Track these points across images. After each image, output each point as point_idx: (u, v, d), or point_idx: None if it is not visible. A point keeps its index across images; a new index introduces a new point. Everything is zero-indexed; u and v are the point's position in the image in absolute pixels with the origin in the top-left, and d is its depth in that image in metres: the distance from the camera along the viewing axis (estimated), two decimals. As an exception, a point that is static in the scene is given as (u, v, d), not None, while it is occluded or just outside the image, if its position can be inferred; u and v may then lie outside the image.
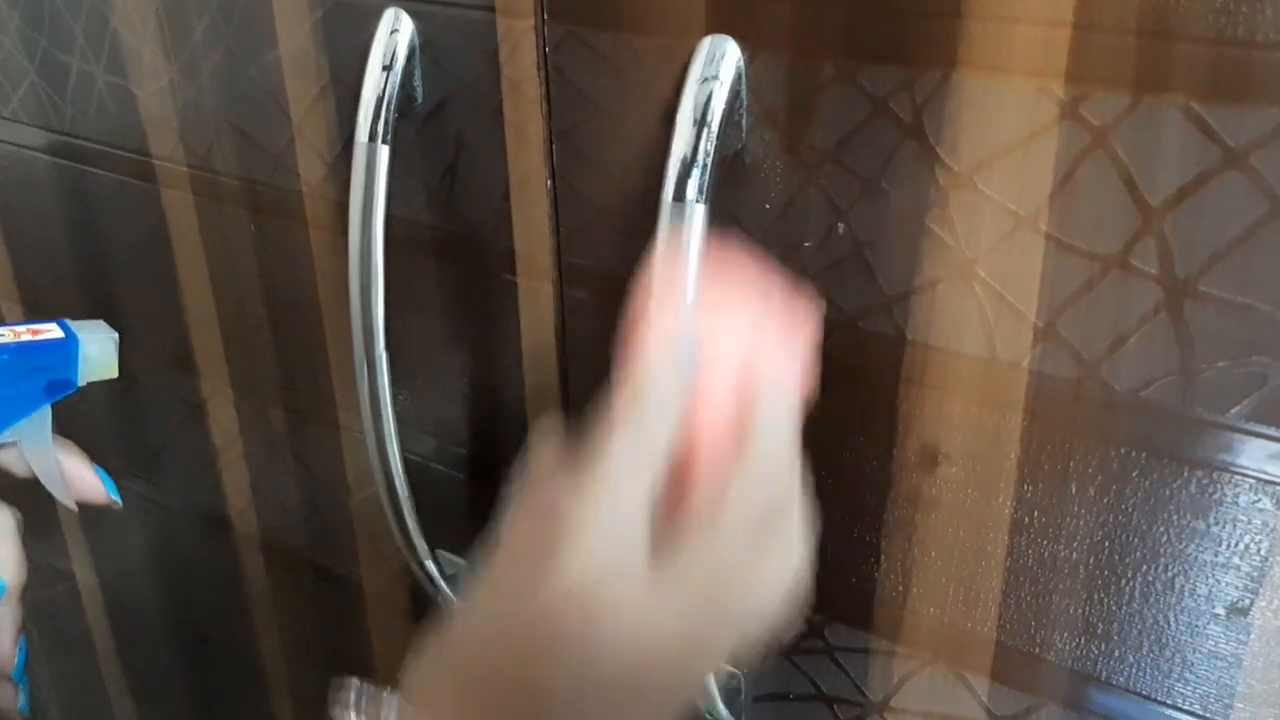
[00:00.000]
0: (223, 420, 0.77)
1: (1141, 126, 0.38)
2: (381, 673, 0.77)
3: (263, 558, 0.81)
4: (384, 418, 0.59)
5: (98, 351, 0.43)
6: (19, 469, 0.44)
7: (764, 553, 0.39)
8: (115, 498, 0.47)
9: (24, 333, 0.42)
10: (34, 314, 0.88)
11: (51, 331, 0.42)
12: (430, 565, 0.65)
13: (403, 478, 0.60)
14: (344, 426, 0.69)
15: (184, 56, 0.64)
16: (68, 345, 0.42)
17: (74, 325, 0.43)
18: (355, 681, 0.40)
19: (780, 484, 0.39)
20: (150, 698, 1.07)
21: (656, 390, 0.39)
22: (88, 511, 0.97)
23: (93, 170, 0.75)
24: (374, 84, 0.53)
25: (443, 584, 0.66)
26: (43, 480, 0.44)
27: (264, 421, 0.74)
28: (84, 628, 1.08)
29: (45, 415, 0.42)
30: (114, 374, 0.43)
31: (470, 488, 0.64)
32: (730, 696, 0.56)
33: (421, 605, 0.71)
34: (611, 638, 0.36)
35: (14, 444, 0.41)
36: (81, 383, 0.42)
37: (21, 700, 0.47)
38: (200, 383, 0.77)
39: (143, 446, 0.86)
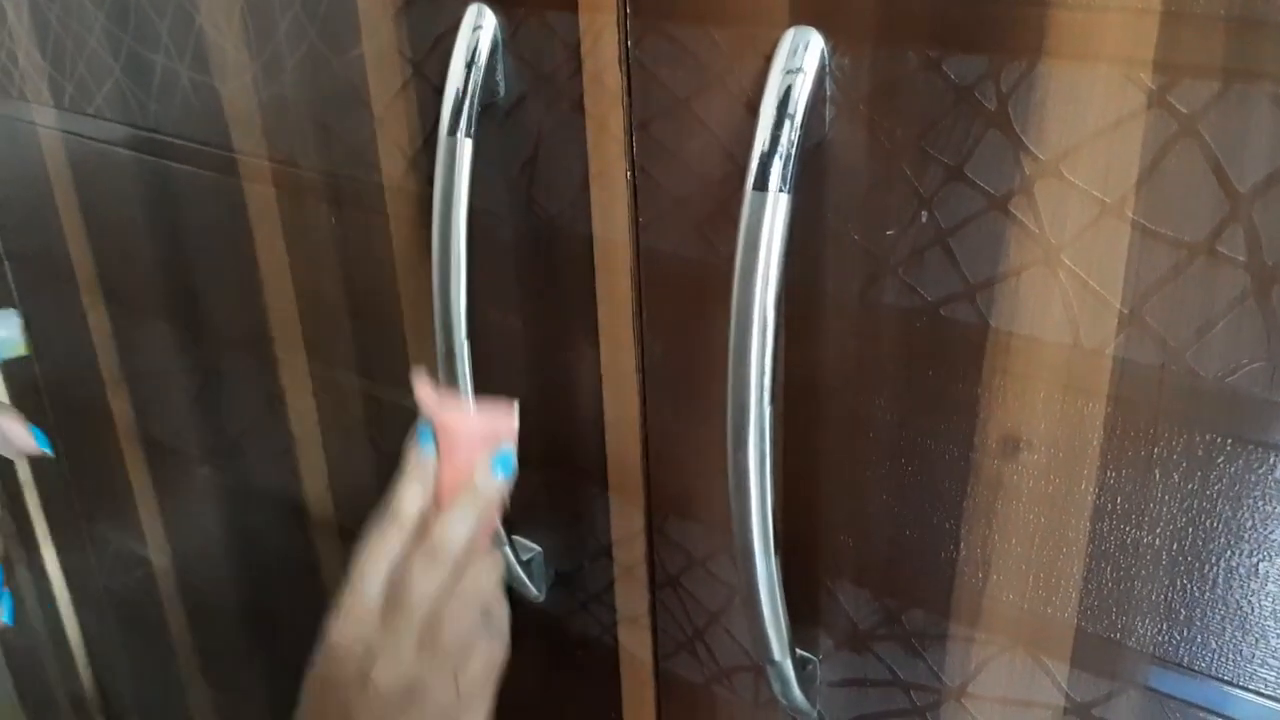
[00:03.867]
0: (301, 408, 0.79)
1: (1231, 114, 0.38)
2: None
3: (339, 543, 0.83)
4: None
5: (4, 334, 0.48)
6: None
7: (459, 580, 0.51)
8: (46, 449, 0.57)
9: None
10: (117, 307, 0.90)
11: None
12: (507, 550, 0.66)
13: (482, 464, 0.61)
14: (421, 415, 0.70)
15: (267, 53, 0.66)
16: None
17: None
18: None
19: (466, 539, 0.52)
20: (223, 682, 1.10)
21: (403, 486, 0.53)
22: (166, 499, 0.99)
23: (176, 165, 0.77)
24: (457, 80, 0.55)
25: (518, 569, 0.67)
26: None
27: (342, 409, 0.76)
28: (159, 612, 1.10)
29: None
30: (23, 351, 0.50)
31: (547, 474, 0.65)
32: (805, 682, 0.57)
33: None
34: (380, 672, 0.50)
35: None
36: None
37: (5, 612, 0.55)
38: (280, 371, 0.79)
39: (222, 434, 0.88)
